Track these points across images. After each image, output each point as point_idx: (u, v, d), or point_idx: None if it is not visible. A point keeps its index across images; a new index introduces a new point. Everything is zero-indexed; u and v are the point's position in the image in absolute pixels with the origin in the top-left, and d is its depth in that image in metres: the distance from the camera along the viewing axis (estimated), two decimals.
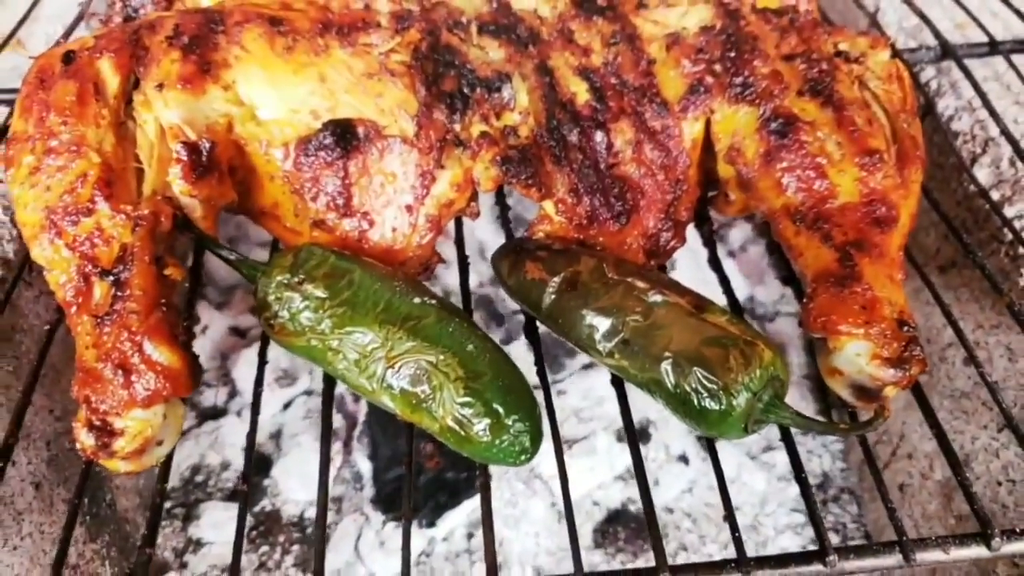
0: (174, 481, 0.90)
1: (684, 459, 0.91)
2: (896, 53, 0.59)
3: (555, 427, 0.50)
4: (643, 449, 0.91)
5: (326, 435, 0.51)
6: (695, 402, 0.46)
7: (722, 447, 0.77)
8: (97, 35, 0.54)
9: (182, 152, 0.50)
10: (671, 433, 0.91)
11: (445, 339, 0.46)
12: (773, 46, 0.58)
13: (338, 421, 0.93)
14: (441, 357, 0.45)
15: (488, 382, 0.44)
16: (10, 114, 0.67)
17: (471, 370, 0.45)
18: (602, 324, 0.49)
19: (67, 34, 0.77)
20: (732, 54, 0.57)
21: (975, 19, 0.76)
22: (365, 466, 0.89)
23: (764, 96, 0.55)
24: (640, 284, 0.50)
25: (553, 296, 0.52)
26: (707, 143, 0.58)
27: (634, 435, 0.52)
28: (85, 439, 0.44)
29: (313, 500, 0.89)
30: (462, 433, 0.45)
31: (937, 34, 0.74)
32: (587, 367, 0.94)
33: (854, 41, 0.60)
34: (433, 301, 0.48)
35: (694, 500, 0.90)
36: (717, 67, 0.57)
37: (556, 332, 0.53)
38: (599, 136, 0.55)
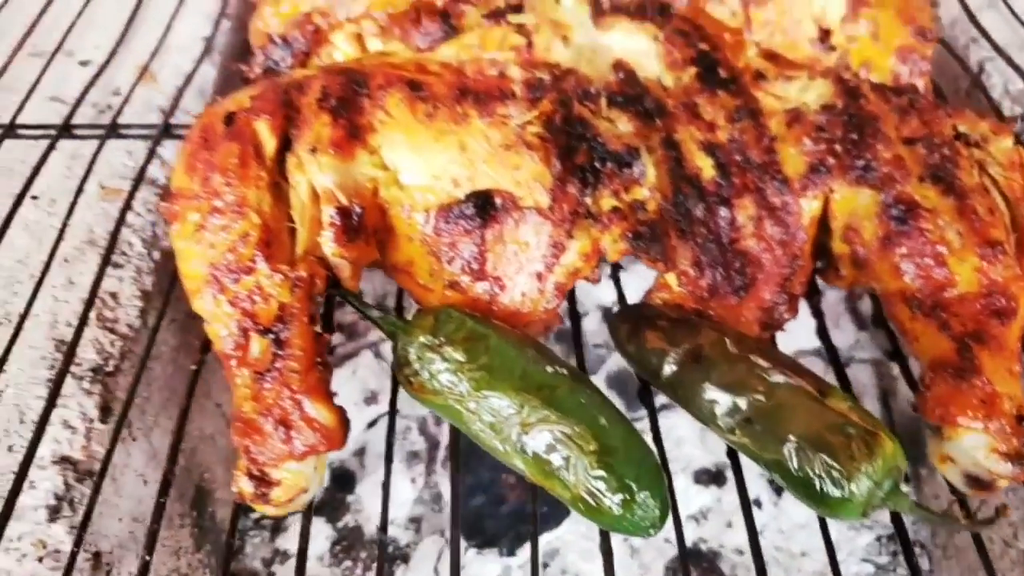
0: None
1: (758, 503, 0.93)
2: (1019, 140, 0.60)
3: None
4: (718, 492, 0.93)
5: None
6: (817, 487, 0.48)
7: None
8: (252, 95, 0.57)
9: (336, 217, 0.53)
10: (747, 477, 0.93)
11: (578, 410, 0.49)
12: (893, 128, 0.60)
13: (420, 444, 0.96)
14: (575, 429, 0.48)
15: (621, 458, 0.47)
16: (149, 155, 0.72)
17: (604, 444, 0.47)
18: (724, 400, 0.52)
19: (195, 68, 0.81)
20: (854, 136, 0.58)
21: None
22: (447, 489, 0.93)
23: (886, 181, 0.57)
24: (762, 362, 0.52)
25: (674, 368, 0.54)
26: (823, 219, 0.60)
27: (747, 500, 0.54)
28: (245, 487, 0.48)
29: (395, 518, 0.92)
30: (594, 504, 0.47)
31: None
32: (665, 407, 0.96)
33: (975, 124, 0.61)
34: (564, 371, 0.51)
35: (765, 543, 0.91)
36: (838, 147, 0.59)
37: (673, 400, 0.56)
38: (723, 212, 0.57)
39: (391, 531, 0.93)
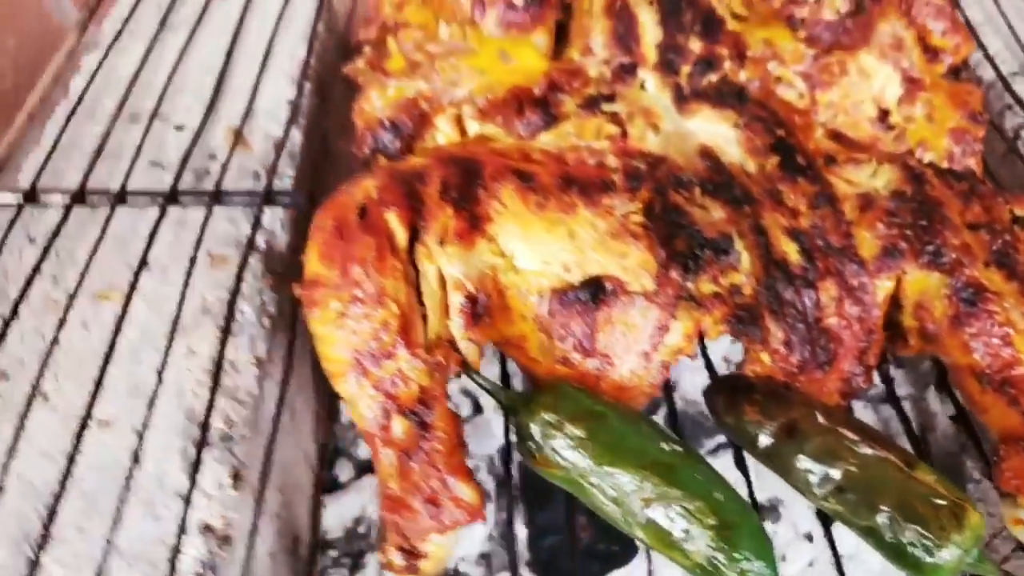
0: (339, 532, 0.99)
1: (809, 537, 0.98)
2: None
3: None
4: (772, 527, 0.99)
5: None
6: (909, 554, 0.53)
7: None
8: (376, 186, 0.62)
9: (465, 304, 0.58)
10: (799, 512, 0.99)
11: (695, 486, 0.54)
12: (958, 213, 0.65)
13: (489, 482, 1.01)
14: (695, 504, 0.53)
15: (739, 531, 0.53)
16: (255, 224, 0.76)
17: (722, 519, 0.53)
18: (817, 470, 0.57)
19: (285, 133, 0.86)
20: (923, 222, 0.64)
21: None
22: (521, 531, 0.98)
23: (954, 266, 0.62)
24: (851, 435, 0.58)
25: (770, 440, 0.59)
26: (894, 296, 0.65)
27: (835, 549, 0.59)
28: (395, 560, 0.53)
29: (466, 555, 0.98)
30: (712, 572, 0.53)
31: None
32: (717, 449, 1.01)
33: None
34: (679, 447, 0.56)
35: (815, 574, 0.97)
36: (909, 232, 0.64)
37: (768, 467, 0.61)
38: (809, 294, 0.62)
39: (463, 567, 0.98)
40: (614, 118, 0.68)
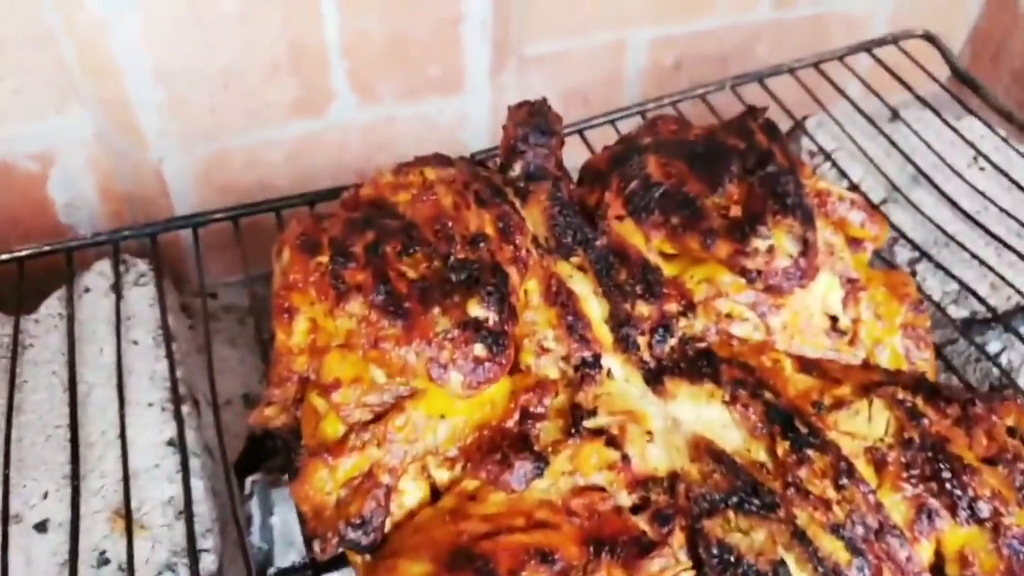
0: None
1: None
2: None
3: None
4: None
5: None
6: None
7: None
8: None
9: None
10: None
11: None
12: (967, 449, 0.64)
13: None
14: None
15: None
16: None
17: None
18: None
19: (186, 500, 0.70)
20: (945, 473, 0.62)
21: None
22: None
23: (994, 519, 0.60)
24: None
25: None
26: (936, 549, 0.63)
27: None
28: None
29: None
30: None
31: None
32: None
33: (1019, 417, 0.67)
34: None
35: None
36: (935, 486, 0.62)
37: None
38: None
39: None
40: (608, 439, 0.61)
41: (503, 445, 0.59)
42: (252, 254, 0.88)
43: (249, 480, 1.07)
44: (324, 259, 0.62)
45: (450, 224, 0.64)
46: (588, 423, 0.62)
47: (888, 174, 1.01)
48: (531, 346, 0.65)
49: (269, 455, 1.09)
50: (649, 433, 0.62)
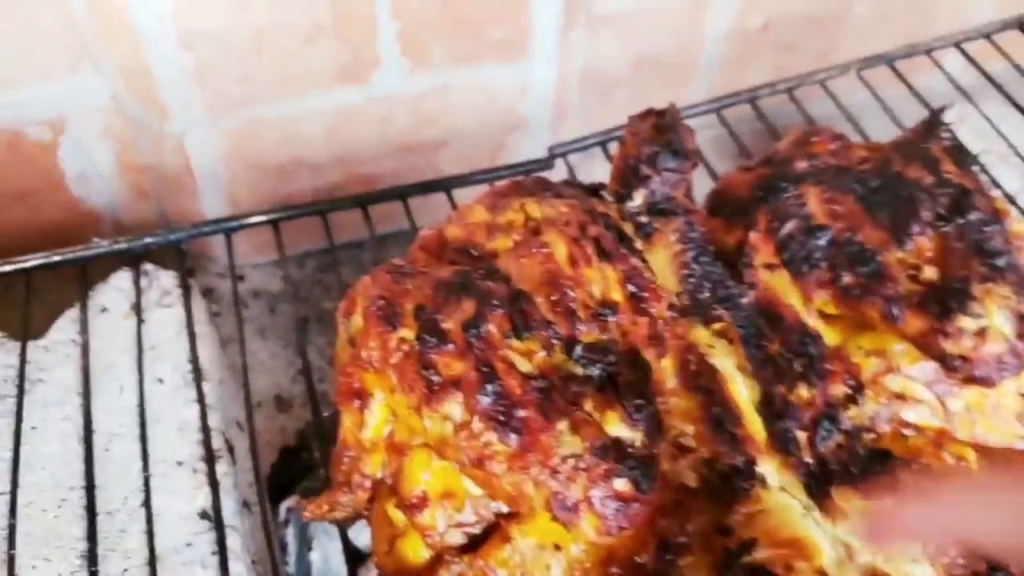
0: None
1: None
2: None
3: None
4: None
5: None
6: None
7: None
8: None
9: None
10: None
11: None
12: None
13: None
14: None
15: None
16: None
17: None
18: None
19: None
20: None
21: None
22: None
23: None
24: None
25: None
26: None
27: None
28: None
29: None
30: None
31: None
32: None
33: None
34: None
35: None
36: None
37: None
38: None
39: None
40: None
41: None
42: (285, 232, 0.74)
43: (284, 507, 0.95)
44: (409, 335, 0.48)
45: (568, 291, 0.49)
46: (746, 558, 0.48)
47: None
48: (666, 446, 0.51)
49: (306, 471, 0.98)
50: (821, 573, 0.48)
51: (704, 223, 0.59)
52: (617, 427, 0.44)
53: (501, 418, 0.44)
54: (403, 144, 1.02)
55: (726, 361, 0.54)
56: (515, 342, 0.47)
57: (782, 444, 0.53)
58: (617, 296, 0.51)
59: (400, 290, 0.50)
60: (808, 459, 0.53)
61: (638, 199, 0.59)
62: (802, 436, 0.53)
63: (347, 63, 0.92)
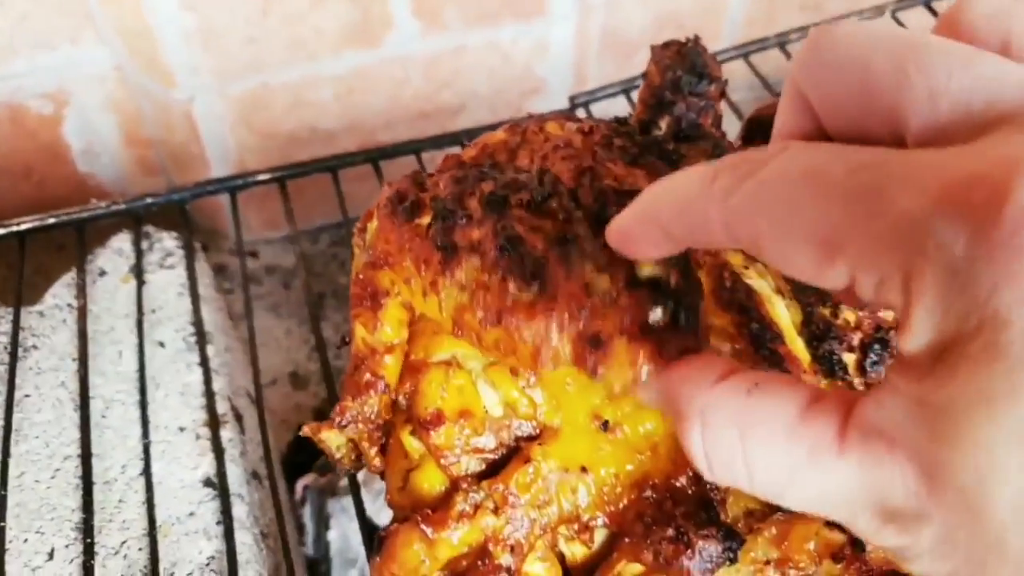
0: None
1: None
2: None
3: None
4: None
5: None
6: None
7: None
8: None
9: None
10: None
11: None
12: None
13: None
14: None
15: None
16: None
17: None
18: None
19: None
20: None
21: None
22: None
23: None
24: None
25: None
26: None
27: None
28: None
29: None
30: None
31: None
32: None
33: None
34: None
35: None
36: None
37: None
38: None
39: None
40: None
41: (676, 514, 0.41)
42: (298, 206, 0.71)
43: (300, 484, 0.91)
44: (426, 220, 0.43)
45: (596, 177, 0.44)
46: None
47: None
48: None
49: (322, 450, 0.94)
50: None
51: (734, 151, 0.54)
52: (649, 268, 0.38)
53: (522, 267, 0.39)
54: (417, 109, 0.98)
55: (762, 282, 0.49)
56: (537, 214, 0.42)
57: (828, 366, 0.47)
58: None
59: (418, 189, 0.46)
60: (859, 384, 0.48)
61: (663, 126, 0.54)
62: (850, 359, 0.48)
63: (357, 24, 0.88)
